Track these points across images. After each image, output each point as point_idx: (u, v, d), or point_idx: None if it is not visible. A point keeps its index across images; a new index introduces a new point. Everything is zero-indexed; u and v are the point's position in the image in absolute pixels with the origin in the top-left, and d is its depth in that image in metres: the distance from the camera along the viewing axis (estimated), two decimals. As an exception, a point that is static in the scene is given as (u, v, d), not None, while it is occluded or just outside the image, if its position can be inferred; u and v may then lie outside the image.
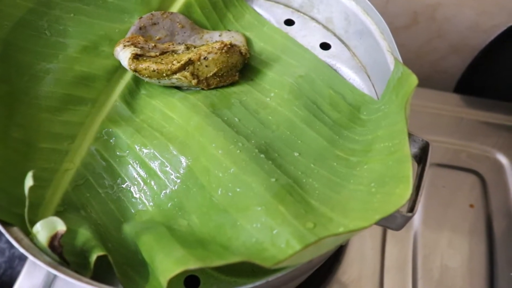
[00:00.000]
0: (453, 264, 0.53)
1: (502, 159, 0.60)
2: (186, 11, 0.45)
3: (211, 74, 0.40)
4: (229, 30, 0.45)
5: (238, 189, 0.33)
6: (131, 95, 0.41)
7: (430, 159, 0.35)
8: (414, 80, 0.33)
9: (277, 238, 0.30)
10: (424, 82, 0.72)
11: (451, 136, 0.62)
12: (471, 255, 0.53)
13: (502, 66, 0.65)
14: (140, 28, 0.42)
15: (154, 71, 0.39)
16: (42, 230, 0.30)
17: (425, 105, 0.64)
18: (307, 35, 0.46)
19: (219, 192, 0.34)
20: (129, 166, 0.38)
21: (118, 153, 0.38)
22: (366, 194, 0.31)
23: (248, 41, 0.45)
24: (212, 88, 0.41)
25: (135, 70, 0.39)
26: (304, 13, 0.48)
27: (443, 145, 0.61)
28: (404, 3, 0.61)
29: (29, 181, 0.30)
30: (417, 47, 0.68)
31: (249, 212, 0.32)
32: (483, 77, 0.68)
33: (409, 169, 0.29)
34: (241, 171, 0.34)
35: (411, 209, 0.33)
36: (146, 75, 0.39)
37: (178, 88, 0.41)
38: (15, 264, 0.57)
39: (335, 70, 0.43)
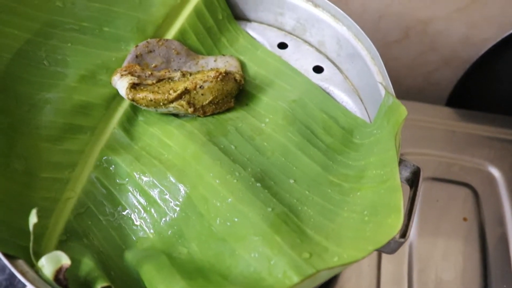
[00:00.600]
0: (448, 277, 0.54)
1: (494, 171, 0.61)
2: (181, 38, 0.46)
3: (207, 102, 0.41)
4: (223, 55, 0.46)
5: (235, 219, 0.34)
6: (129, 122, 0.42)
7: (421, 183, 0.36)
8: (403, 111, 0.34)
9: (274, 268, 0.31)
10: (417, 94, 0.73)
11: (444, 150, 0.63)
12: (465, 268, 0.54)
13: (493, 79, 0.67)
14: (137, 56, 0.43)
15: (151, 100, 0.39)
16: (47, 264, 0.31)
17: (418, 118, 0.65)
18: (300, 59, 0.47)
19: (218, 221, 0.35)
20: (129, 193, 0.38)
21: (118, 180, 0.39)
22: (359, 222, 0.33)
23: (242, 65, 0.46)
24: (208, 115, 0.42)
25: (132, 100, 0.40)
26: (297, 36, 0.49)
27: (436, 159, 0.62)
28: (396, 19, 0.63)
29: (33, 218, 0.31)
30: (410, 60, 0.69)
31: (246, 241, 0.33)
32: (474, 90, 0.69)
33: (400, 199, 0.31)
34: (238, 201, 0.35)
35: (404, 234, 0.34)
36: (144, 104, 0.40)
37: (175, 115, 0.42)
38: (16, 281, 0.58)
39: (328, 93, 0.44)
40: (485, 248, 0.55)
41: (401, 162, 0.37)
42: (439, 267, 0.54)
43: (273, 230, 0.33)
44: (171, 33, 0.46)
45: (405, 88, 0.73)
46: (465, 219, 0.58)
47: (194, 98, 0.40)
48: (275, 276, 0.31)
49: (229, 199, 0.35)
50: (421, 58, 0.68)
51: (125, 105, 0.43)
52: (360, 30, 0.42)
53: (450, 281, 0.53)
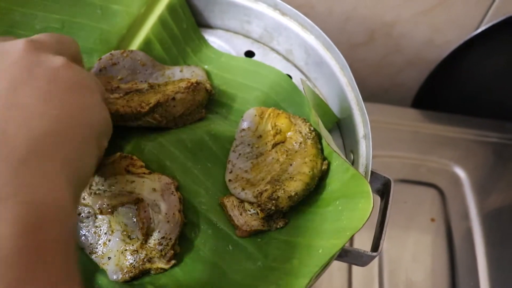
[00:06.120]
0: (417, 277, 0.55)
1: (460, 171, 0.62)
2: (146, 48, 0.44)
3: (179, 114, 0.40)
4: (189, 65, 0.45)
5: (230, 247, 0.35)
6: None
7: (392, 194, 0.37)
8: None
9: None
10: (383, 95, 0.74)
11: (410, 151, 0.64)
12: (434, 268, 0.56)
13: (456, 80, 0.68)
14: (100, 70, 0.42)
15: (122, 115, 0.38)
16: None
17: (384, 120, 0.66)
18: (268, 67, 0.46)
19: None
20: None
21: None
22: (335, 213, 0.34)
23: (207, 74, 0.45)
24: (180, 127, 0.41)
25: (100, 115, 0.38)
26: (264, 44, 0.48)
27: (402, 160, 0.63)
28: (362, 21, 0.63)
29: None
30: (376, 62, 0.69)
31: (241, 266, 0.35)
32: (439, 91, 0.71)
33: (365, 184, 0.32)
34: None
35: (376, 248, 0.34)
36: (113, 119, 0.38)
37: (145, 127, 0.41)
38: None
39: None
40: (453, 248, 0.57)
41: (372, 174, 0.37)
42: (409, 268, 0.55)
43: (265, 255, 0.35)
44: (135, 44, 0.44)
45: (371, 89, 0.74)
46: (432, 220, 0.59)
47: (166, 110, 0.39)
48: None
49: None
50: (386, 59, 0.69)
51: (89, 120, 0.41)
52: (328, 40, 0.41)
53: (420, 281, 0.55)
